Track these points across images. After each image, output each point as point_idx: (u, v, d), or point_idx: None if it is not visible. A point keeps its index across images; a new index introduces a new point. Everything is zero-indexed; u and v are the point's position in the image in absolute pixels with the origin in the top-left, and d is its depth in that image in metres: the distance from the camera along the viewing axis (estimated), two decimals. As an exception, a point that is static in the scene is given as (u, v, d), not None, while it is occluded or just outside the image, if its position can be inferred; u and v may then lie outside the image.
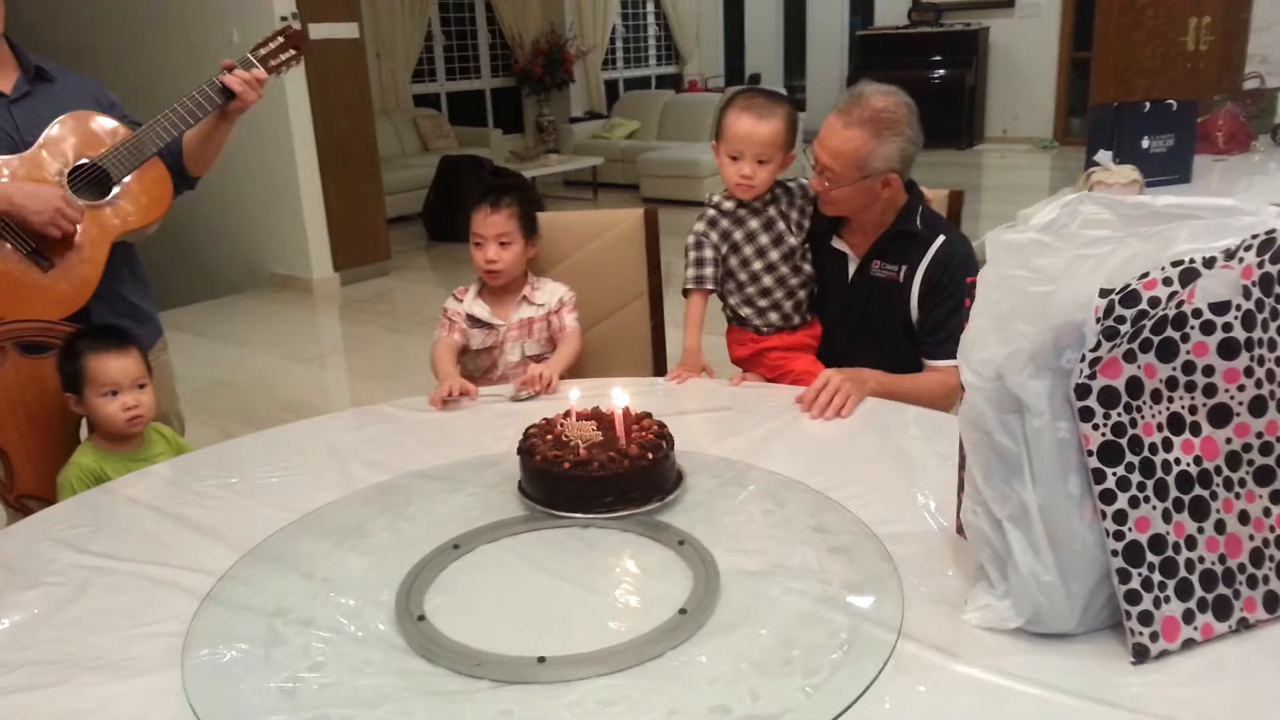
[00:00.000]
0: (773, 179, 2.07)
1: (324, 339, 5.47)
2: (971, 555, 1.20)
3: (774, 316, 2.15)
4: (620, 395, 1.50)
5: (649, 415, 1.53)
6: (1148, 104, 3.13)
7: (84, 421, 1.87)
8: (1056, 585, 1.07)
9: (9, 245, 1.89)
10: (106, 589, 1.28)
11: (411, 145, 9.05)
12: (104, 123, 2.01)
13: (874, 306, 2.07)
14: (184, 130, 2.03)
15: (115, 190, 2.00)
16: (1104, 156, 2.89)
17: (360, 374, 4.72)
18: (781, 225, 2.12)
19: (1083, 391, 1.05)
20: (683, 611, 1.15)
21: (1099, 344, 1.05)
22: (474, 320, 2.21)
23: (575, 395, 1.53)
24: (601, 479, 1.38)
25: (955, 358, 1.97)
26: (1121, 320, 1.05)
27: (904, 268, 2.02)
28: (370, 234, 6.35)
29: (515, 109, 10.45)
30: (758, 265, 2.11)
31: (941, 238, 2.01)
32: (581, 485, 1.38)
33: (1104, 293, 1.04)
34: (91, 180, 1.97)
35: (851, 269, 2.11)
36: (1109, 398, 1.06)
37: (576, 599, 1.22)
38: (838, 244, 2.12)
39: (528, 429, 1.51)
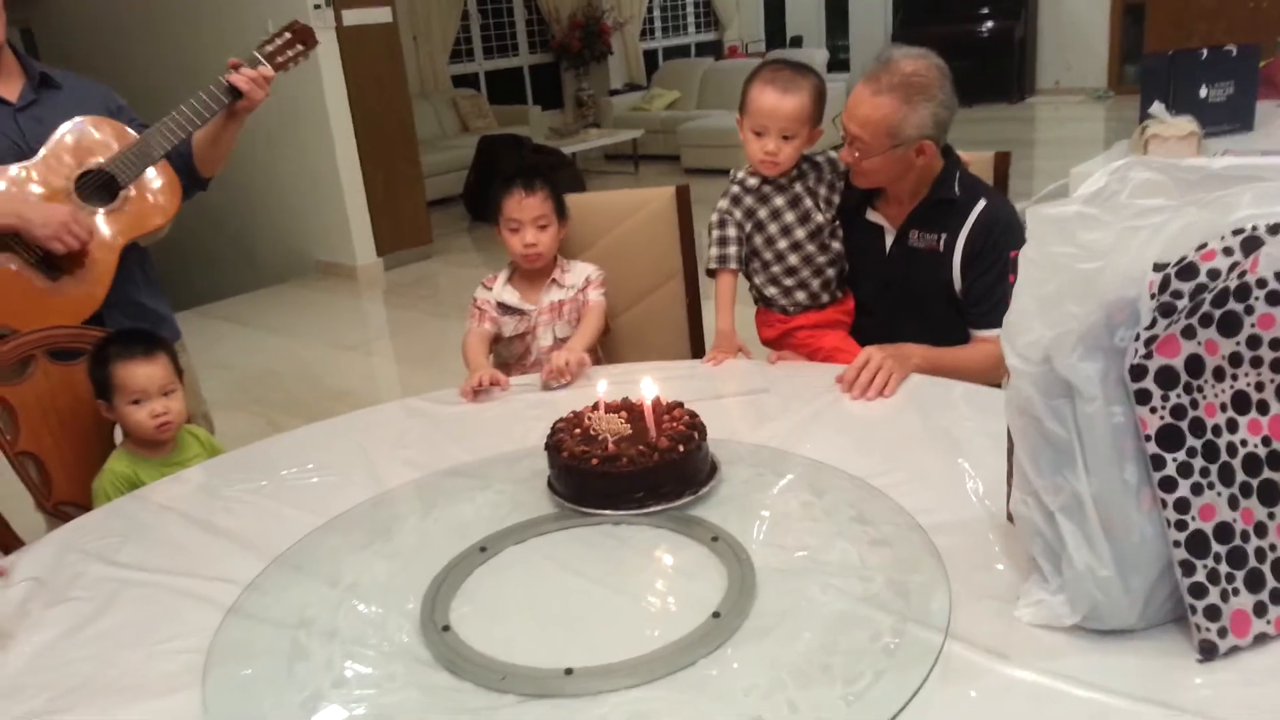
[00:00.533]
0: (798, 155, 1.99)
1: (369, 325, 5.49)
2: (1023, 545, 1.13)
3: (801, 296, 2.07)
4: (649, 385, 1.45)
5: (680, 404, 1.47)
6: (1205, 50, 2.97)
7: (117, 426, 1.87)
8: (1114, 580, 1.00)
9: (18, 255, 1.88)
10: (132, 602, 1.27)
11: (451, 126, 9.03)
12: (111, 127, 2.00)
13: (914, 278, 1.99)
14: (191, 131, 2.01)
15: (123, 194, 1.98)
16: (1158, 109, 2.75)
17: (405, 359, 4.73)
18: (809, 202, 2.03)
19: (1138, 373, 0.98)
20: (716, 615, 1.09)
21: (1154, 321, 0.97)
22: (505, 307, 2.17)
23: (603, 386, 1.48)
24: (630, 474, 1.33)
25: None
26: (1178, 295, 0.97)
27: (944, 236, 1.94)
28: (411, 217, 6.35)
29: (554, 84, 10.37)
30: (783, 244, 2.04)
31: (982, 202, 1.92)
32: (610, 481, 1.33)
33: (1158, 267, 0.96)
34: (100, 185, 1.96)
35: (889, 241, 2.02)
36: (1167, 378, 0.98)
37: (605, 602, 1.17)
38: (872, 216, 2.03)
39: (555, 424, 1.46)
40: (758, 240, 2.05)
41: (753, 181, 2.03)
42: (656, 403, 1.43)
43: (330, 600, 1.21)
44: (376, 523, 1.41)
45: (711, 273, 2.06)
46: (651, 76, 10.37)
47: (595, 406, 1.46)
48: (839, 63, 11.35)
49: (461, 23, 9.43)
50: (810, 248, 2.03)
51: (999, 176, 2.18)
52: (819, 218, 2.03)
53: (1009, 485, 1.24)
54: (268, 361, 4.78)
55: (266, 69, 2.04)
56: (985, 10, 10.42)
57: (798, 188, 2.03)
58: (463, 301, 2.20)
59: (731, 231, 2.03)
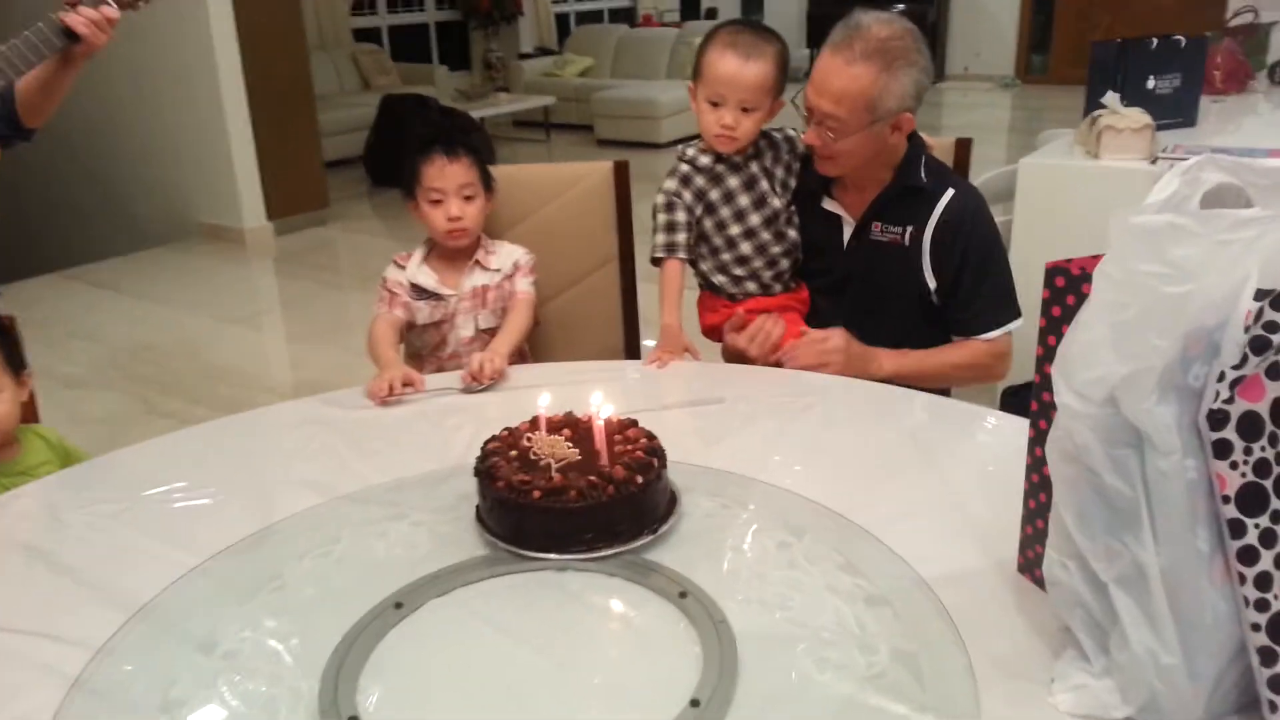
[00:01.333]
0: (758, 129, 1.79)
1: (257, 296, 5.09)
2: (1044, 605, 0.96)
3: (751, 286, 1.88)
4: (600, 401, 1.22)
5: (634, 423, 1.26)
6: (1155, 40, 2.87)
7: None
8: (1179, 668, 0.83)
9: None
10: (-57, 675, 0.99)
11: (351, 83, 8.56)
12: None
13: (877, 274, 1.81)
14: (16, 77, 1.69)
15: None
16: (1111, 99, 2.64)
17: (297, 336, 4.37)
18: (765, 184, 1.83)
19: (1218, 420, 0.80)
20: (695, 704, 0.89)
21: (1245, 358, 0.80)
22: (419, 291, 1.91)
23: (545, 400, 1.25)
24: (580, 511, 1.11)
25: (995, 329, 1.74)
26: (1273, 327, 0.80)
27: (909, 229, 1.76)
28: (306, 179, 5.94)
29: (461, 44, 9.95)
30: (735, 230, 1.83)
31: (950, 191, 1.75)
32: (555, 519, 1.11)
33: (1260, 294, 0.79)
34: None
35: (847, 234, 1.84)
36: (1251, 427, 0.80)
37: (553, 681, 0.95)
38: (830, 205, 1.84)
39: (487, 444, 1.23)
40: (708, 224, 1.84)
41: (705, 160, 1.82)
42: (609, 422, 1.21)
43: (203, 674, 0.96)
44: (264, 565, 1.15)
45: (656, 261, 1.84)
46: (563, 42, 10.04)
47: (534, 424, 1.24)
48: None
49: (364, -27, 8.94)
50: (765, 235, 1.84)
51: (959, 165, 2.02)
52: (775, 202, 1.84)
53: (1023, 533, 1.07)
54: (143, 334, 4.36)
55: (111, 9, 1.72)
56: (900, -8, 10.39)
57: (754, 167, 1.83)
58: (363, 272, 1.94)
59: (681, 216, 1.82)
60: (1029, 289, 1.88)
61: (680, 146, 1.86)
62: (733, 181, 1.82)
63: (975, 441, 1.39)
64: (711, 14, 11.57)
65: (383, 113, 7.12)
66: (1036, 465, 1.03)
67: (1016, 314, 1.78)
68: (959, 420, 1.46)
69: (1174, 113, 2.90)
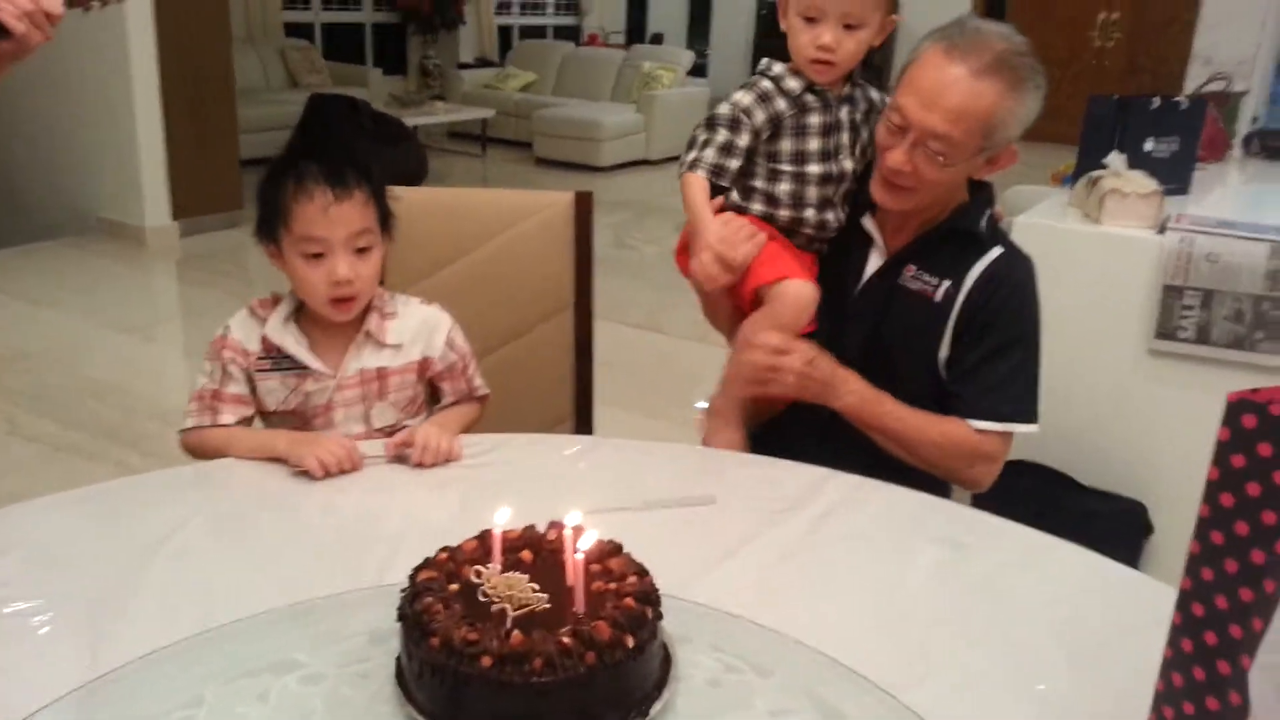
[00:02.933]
0: (862, 54, 1.44)
1: (155, 303, 4.62)
2: None
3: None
4: (579, 522, 0.91)
5: (618, 549, 0.95)
6: (1156, 99, 2.69)
7: None
8: None
9: None
10: None
11: (278, 79, 8.10)
12: None
13: (892, 325, 1.50)
14: None
15: None
16: (1116, 160, 2.43)
17: (196, 352, 3.89)
18: (845, 138, 1.49)
19: None
20: None
21: None
22: (278, 359, 1.40)
23: (503, 517, 0.93)
24: (548, 688, 0.79)
25: (992, 421, 1.39)
26: None
27: (946, 284, 1.46)
28: (220, 176, 5.46)
29: (398, 48, 9.55)
30: (785, 181, 1.48)
31: (998, 250, 1.47)
32: (511, 698, 0.79)
33: None
34: None
35: (871, 266, 1.52)
36: None
37: None
38: (867, 224, 1.53)
39: (418, 571, 0.90)
40: (758, 157, 1.49)
41: (794, 84, 1.45)
42: (589, 553, 0.90)
43: None
44: (87, 744, 0.81)
45: (687, 173, 1.47)
46: (505, 54, 9.71)
47: (486, 548, 0.92)
48: (698, 68, 11.04)
49: (300, -35, 8.51)
50: (811, 194, 1.49)
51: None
52: (846, 164, 1.49)
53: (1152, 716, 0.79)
54: (15, 339, 3.87)
55: (53, 2, 1.35)
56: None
57: (843, 113, 1.48)
58: (276, 283, 1.48)
59: (743, 140, 1.45)
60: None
61: (765, 60, 1.49)
62: (814, 120, 1.47)
63: (1040, 575, 1.12)
64: (658, 39, 11.40)
65: (310, 112, 6.67)
66: (1179, 664, 0.75)
67: (1029, 418, 1.47)
68: (1012, 544, 1.17)
69: (1170, 178, 2.70)
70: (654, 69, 8.33)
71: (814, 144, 1.48)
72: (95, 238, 5.24)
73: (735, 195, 1.51)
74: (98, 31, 4.83)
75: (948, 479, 1.51)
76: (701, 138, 1.48)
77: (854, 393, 1.45)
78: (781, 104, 1.46)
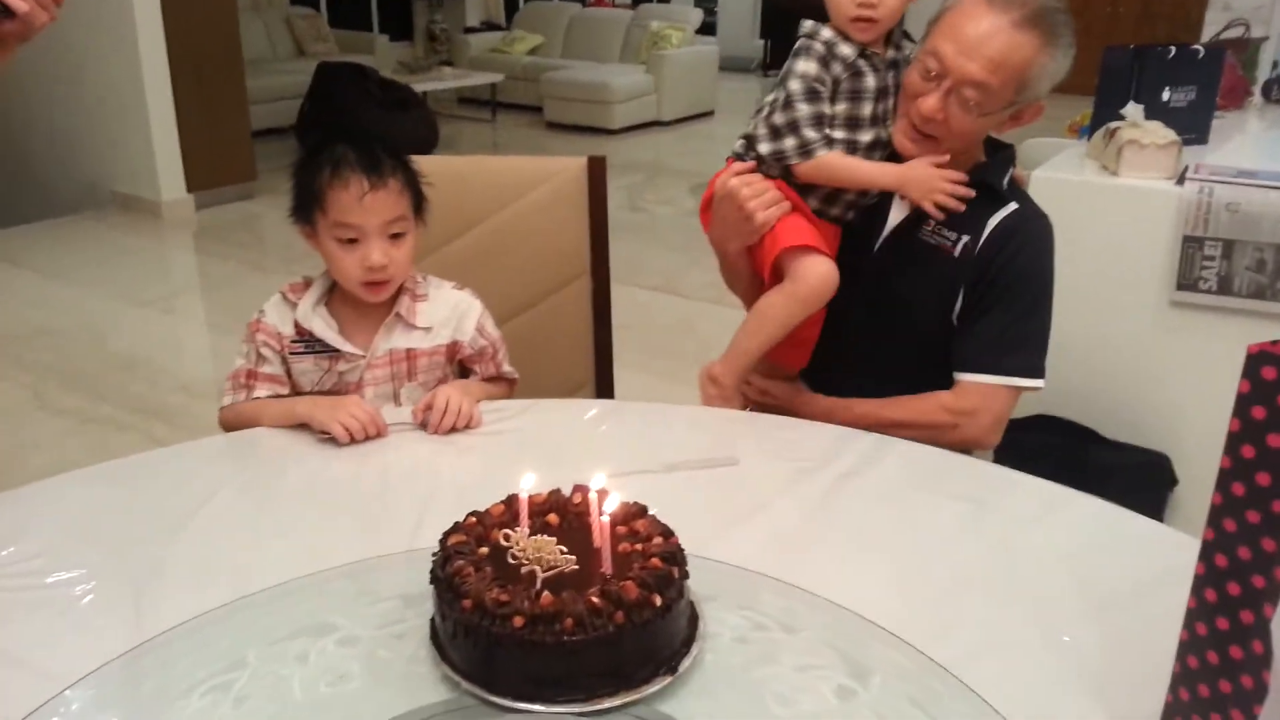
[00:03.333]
0: (903, 9, 1.41)
1: (173, 276, 4.65)
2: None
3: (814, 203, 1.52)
4: (604, 485, 0.92)
5: (644, 510, 0.96)
6: (1172, 49, 2.65)
7: None
8: None
9: None
10: None
11: (284, 48, 8.08)
12: None
13: (908, 282, 1.49)
14: None
15: None
16: (1134, 111, 2.41)
17: (217, 323, 3.95)
18: (892, 103, 1.47)
19: None
20: None
21: None
22: (309, 342, 1.42)
23: (529, 482, 0.95)
24: (578, 647, 0.81)
25: (984, 372, 1.38)
26: None
27: (965, 239, 1.44)
28: (232, 148, 5.48)
29: (403, 13, 9.48)
30: (838, 136, 1.46)
31: (1013, 205, 1.45)
32: (543, 657, 0.81)
33: None
34: None
35: (891, 222, 1.50)
36: None
37: None
38: None
39: (447, 536, 0.92)
40: None
41: (847, 50, 1.42)
42: (615, 515, 0.91)
43: None
44: (133, 707, 0.83)
45: (801, 157, 1.43)
46: (511, 17, 9.62)
47: (513, 512, 0.93)
48: (707, 26, 10.92)
49: (303, -68, 8.44)
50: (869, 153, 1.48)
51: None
52: (883, 132, 1.47)
53: (1170, 698, 0.80)
54: (40, 315, 3.91)
55: None
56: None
57: (891, 78, 1.45)
58: (291, 254, 1.52)
59: (826, 107, 1.42)
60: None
61: (810, 24, 1.44)
62: (870, 83, 1.44)
63: (1061, 528, 1.12)
64: (666, -3, 11.25)
65: (318, 81, 6.64)
66: (1203, 614, 0.76)
67: (1029, 373, 1.44)
68: (1032, 498, 1.18)
69: (1188, 128, 2.67)
70: (662, 28, 8.25)
71: (867, 109, 1.45)
72: (112, 212, 5.28)
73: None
74: (103, 7, 4.82)
75: (943, 446, 1.49)
76: (783, 121, 1.43)
77: (817, 402, 1.51)
78: (838, 68, 1.43)
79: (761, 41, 10.86)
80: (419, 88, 7.03)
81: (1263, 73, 3.84)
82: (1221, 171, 2.29)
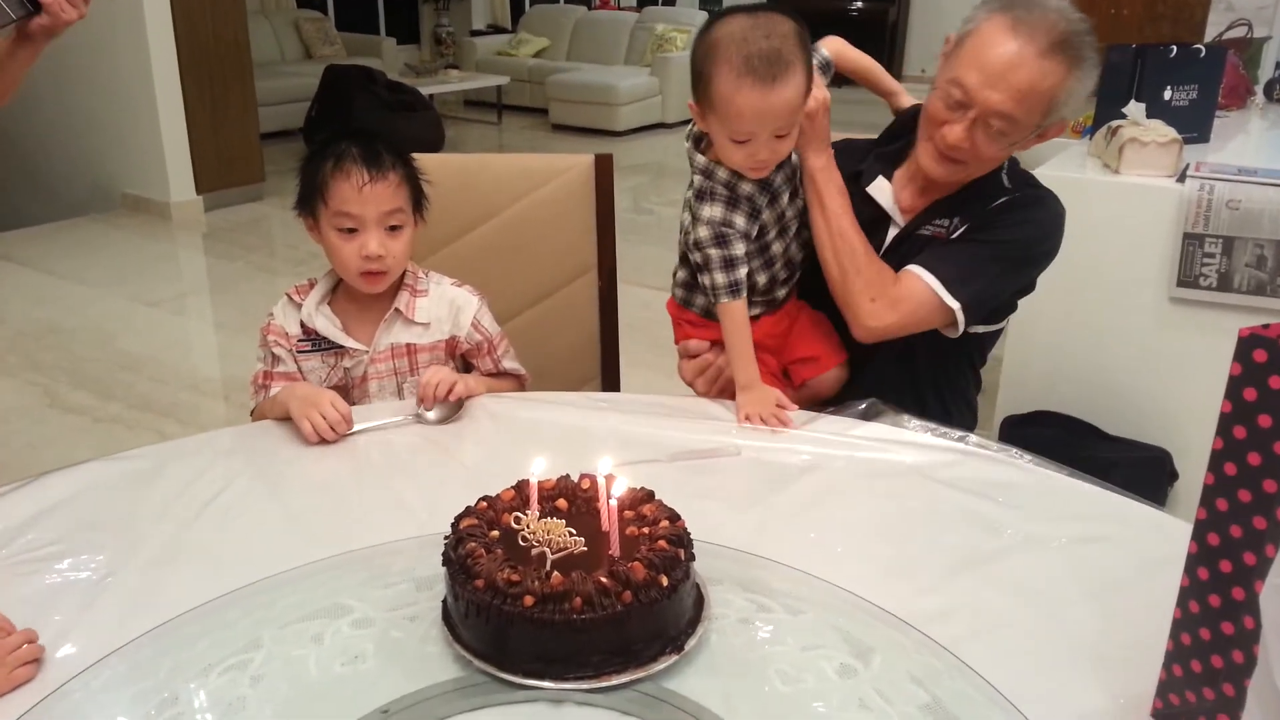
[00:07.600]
0: (790, 149, 1.41)
1: (182, 277, 4.68)
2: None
3: (781, 292, 1.53)
4: (611, 469, 0.95)
5: (650, 495, 0.98)
6: (1174, 47, 2.67)
7: None
8: None
9: None
10: None
11: (292, 51, 8.12)
12: None
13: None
14: None
15: None
16: (1135, 109, 2.43)
17: (226, 323, 3.98)
18: (798, 204, 1.48)
19: None
20: None
21: None
22: (314, 340, 1.46)
23: (539, 467, 0.97)
24: (586, 625, 0.83)
25: (941, 283, 1.37)
26: None
27: (958, 224, 1.45)
28: (241, 151, 5.51)
29: (410, 17, 9.53)
30: (776, 248, 1.48)
31: (1016, 194, 1.46)
32: (553, 635, 0.84)
33: None
34: None
35: (892, 233, 1.51)
36: None
37: None
38: (877, 193, 1.51)
39: (459, 520, 0.94)
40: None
41: (747, 187, 1.40)
42: (622, 500, 0.93)
43: None
44: (152, 684, 0.86)
45: (711, 303, 1.45)
46: (517, 20, 9.66)
47: (523, 496, 0.96)
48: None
49: (310, -64, 8.49)
50: (794, 239, 1.49)
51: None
52: (799, 201, 1.49)
53: (1164, 674, 0.82)
54: (50, 314, 3.95)
55: None
56: (862, -13, 10.24)
57: (793, 158, 1.46)
58: (298, 255, 1.56)
59: (739, 248, 1.40)
60: (1031, 305, 1.62)
61: (701, 159, 1.42)
62: (778, 178, 1.44)
63: (1060, 512, 1.14)
64: (669, 0, 11.29)
65: (326, 84, 6.69)
66: (1196, 591, 0.78)
67: (961, 299, 1.39)
68: (1034, 489, 1.20)
69: (1189, 127, 2.69)
70: (667, 31, 8.28)
71: (789, 208, 1.46)
72: (121, 214, 5.31)
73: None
74: (114, 11, 4.86)
75: (845, 306, 1.46)
76: (699, 259, 1.42)
77: None
78: (747, 187, 1.41)
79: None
80: (425, 90, 7.07)
81: (1265, 72, 3.86)
82: (1222, 169, 2.30)
